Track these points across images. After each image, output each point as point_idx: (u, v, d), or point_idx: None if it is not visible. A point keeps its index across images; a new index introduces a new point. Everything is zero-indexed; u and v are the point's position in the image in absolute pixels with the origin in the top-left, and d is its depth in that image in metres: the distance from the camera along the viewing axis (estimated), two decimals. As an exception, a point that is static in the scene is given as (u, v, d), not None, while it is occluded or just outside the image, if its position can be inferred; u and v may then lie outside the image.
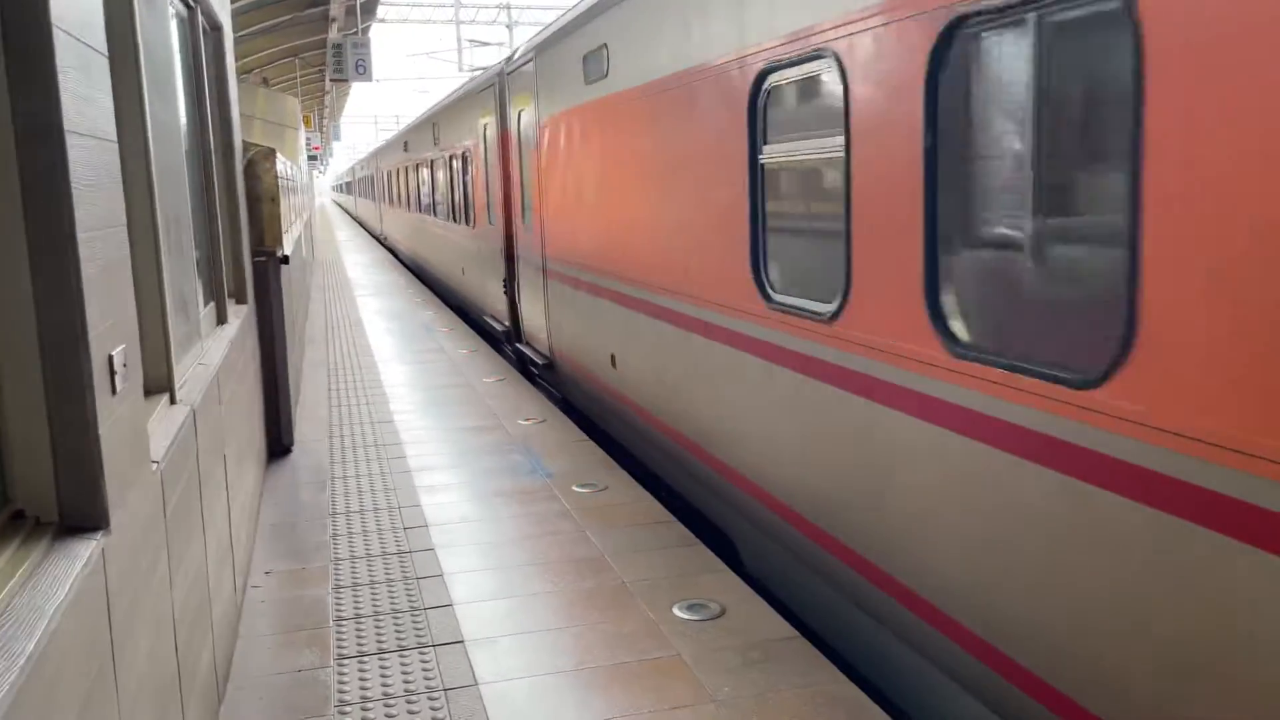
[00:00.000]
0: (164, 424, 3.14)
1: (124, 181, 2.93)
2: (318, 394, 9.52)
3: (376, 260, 26.86)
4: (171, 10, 4.45)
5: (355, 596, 4.79)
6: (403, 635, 4.35)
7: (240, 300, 6.06)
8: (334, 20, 20.56)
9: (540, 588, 4.84)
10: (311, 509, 6.15)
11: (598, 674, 3.99)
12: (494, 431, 7.90)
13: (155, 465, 2.80)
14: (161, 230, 3.45)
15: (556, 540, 5.48)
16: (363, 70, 17.36)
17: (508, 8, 36.20)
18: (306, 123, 29.17)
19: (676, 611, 4.51)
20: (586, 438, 7.66)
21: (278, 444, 7.35)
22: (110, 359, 2.33)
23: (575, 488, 6.39)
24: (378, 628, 4.44)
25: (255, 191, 7.07)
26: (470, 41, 35.33)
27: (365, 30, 20.90)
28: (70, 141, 2.13)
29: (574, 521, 5.77)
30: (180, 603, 3.07)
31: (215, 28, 5.80)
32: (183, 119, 4.61)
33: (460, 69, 34.17)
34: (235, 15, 17.21)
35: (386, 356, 11.57)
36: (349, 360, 11.37)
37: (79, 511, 2.19)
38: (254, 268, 6.80)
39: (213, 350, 4.52)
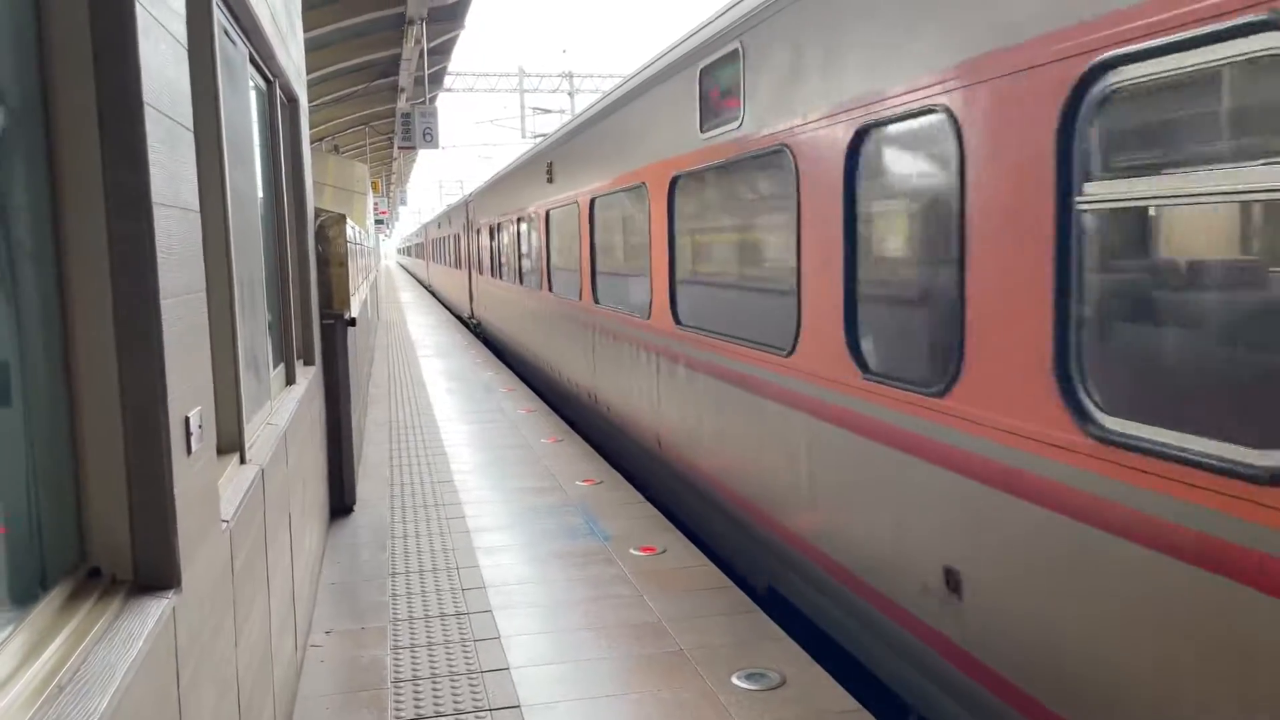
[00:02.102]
0: (234, 483, 3.21)
1: (204, 248, 3.05)
2: (379, 453, 9.65)
3: (439, 322, 27.34)
4: (251, 84, 4.66)
5: (414, 658, 4.80)
6: (459, 699, 4.34)
7: (308, 361, 6.21)
8: (403, 90, 21.29)
9: (597, 653, 4.80)
10: (371, 569, 6.20)
11: (655, 743, 3.92)
12: (552, 493, 7.92)
13: (225, 524, 2.86)
14: (237, 295, 3.57)
15: (614, 604, 5.44)
16: (430, 138, 17.89)
17: (569, 76, 37.17)
18: (375, 188, 30.07)
19: (736, 680, 4.43)
20: (644, 499, 7.64)
21: (340, 503, 7.45)
22: (187, 420, 2.40)
23: (632, 550, 6.35)
24: (435, 691, 4.43)
25: (325, 256, 7.29)
26: (533, 109, 36.27)
27: (433, 99, 21.58)
28: (157, 213, 2.23)
29: (631, 585, 5.73)
30: (244, 662, 3.10)
31: (292, 100, 6.04)
32: (259, 187, 4.79)
33: (524, 135, 35.04)
34: (309, 85, 17.97)
35: (448, 416, 11.71)
36: (411, 420, 11.53)
37: (153, 570, 2.24)
38: (321, 329, 6.98)
39: (281, 411, 4.62)
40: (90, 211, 2.15)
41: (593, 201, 9.37)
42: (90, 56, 2.14)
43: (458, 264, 26.80)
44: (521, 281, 14.32)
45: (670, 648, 4.83)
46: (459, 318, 27.84)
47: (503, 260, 16.58)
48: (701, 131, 6.26)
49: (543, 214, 12.13)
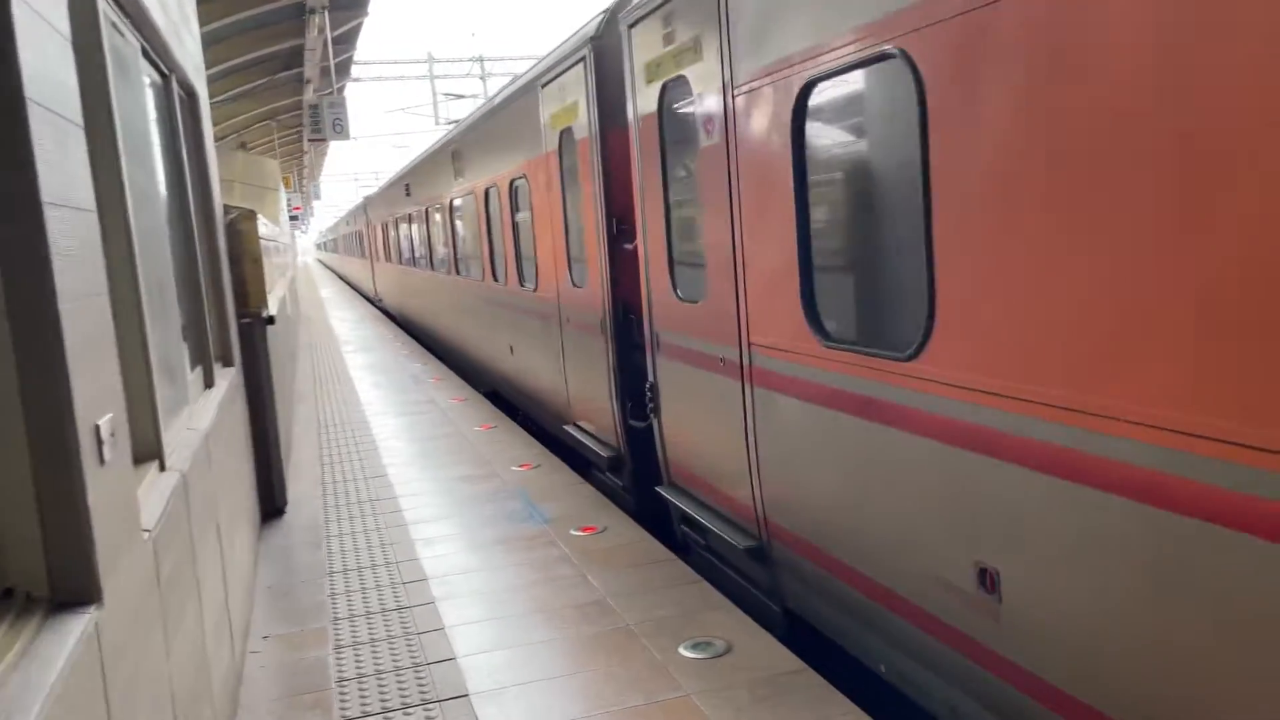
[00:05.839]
0: (154, 492, 3.11)
1: (105, 250, 2.93)
2: (309, 452, 9.46)
3: (361, 316, 26.87)
4: (146, 79, 4.48)
5: (357, 656, 4.72)
6: (406, 693, 4.28)
7: (227, 363, 6.03)
8: (309, 82, 20.75)
9: (544, 635, 4.78)
10: (308, 570, 6.08)
11: (607, 720, 3.93)
12: (488, 480, 7.85)
13: (147, 534, 2.76)
14: (144, 296, 3.44)
15: (557, 586, 5.42)
16: (340, 129, 17.49)
17: (480, 60, 36.66)
18: (286, 183, 29.30)
19: (683, 651, 4.46)
20: (582, 480, 7.62)
21: (271, 505, 7.28)
22: (97, 428, 2.30)
23: (573, 531, 6.34)
24: (381, 687, 4.36)
25: (237, 253, 7.08)
26: (445, 95, 35.71)
27: (340, 90, 21.10)
28: (48, 213, 2.13)
29: (574, 566, 5.72)
30: (178, 673, 3.01)
31: (190, 94, 5.83)
32: (162, 185, 4.62)
33: (437, 122, 34.49)
34: (210, 81, 17.37)
35: (377, 410, 11.52)
36: (339, 416, 11.32)
37: (70, 585, 2.15)
38: (240, 329, 6.79)
39: (201, 414, 4.49)
40: (-26, 215, 2.04)
41: None
42: (-37, 52, 2.02)
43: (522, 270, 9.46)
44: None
45: (617, 624, 4.84)
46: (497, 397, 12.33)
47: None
48: None
49: None
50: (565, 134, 7.50)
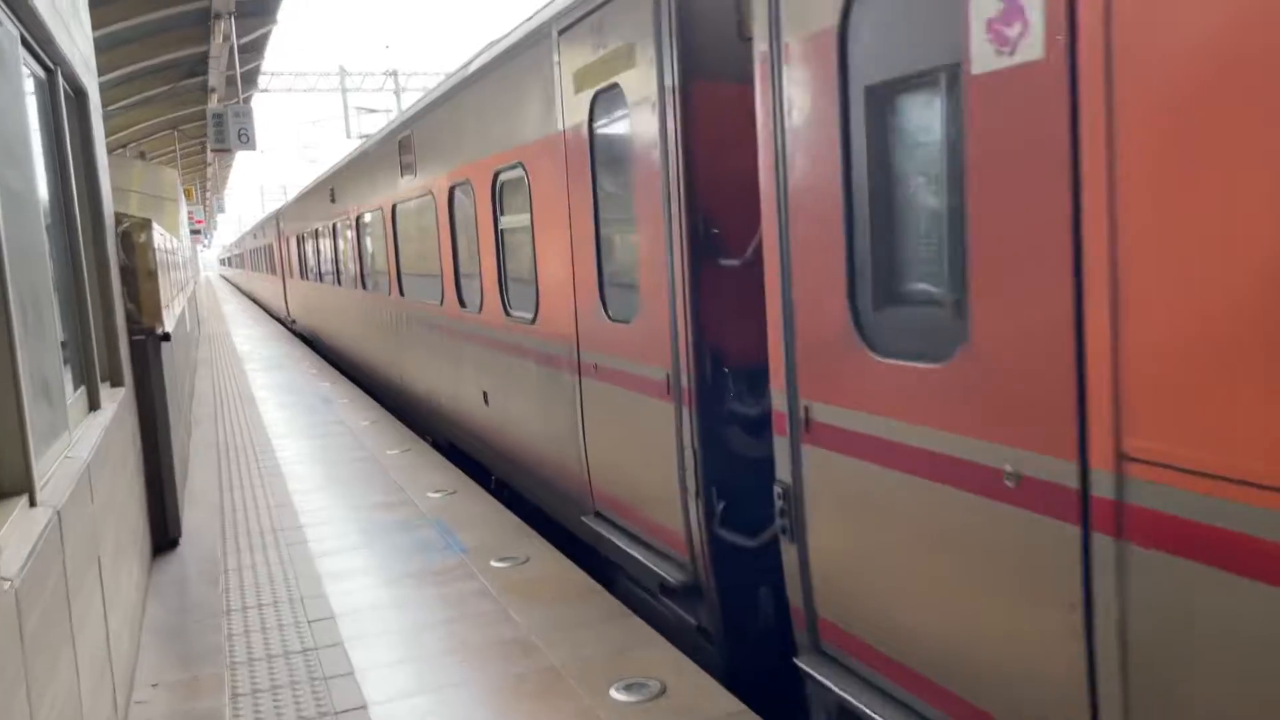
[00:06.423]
0: (19, 532, 2.72)
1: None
2: (207, 479, 8.90)
3: (267, 334, 25.90)
4: (27, 72, 4.07)
5: (256, 705, 4.32)
6: (312, 746, 3.91)
7: (116, 383, 5.56)
8: (213, 90, 20.00)
9: (463, 677, 4.45)
10: (203, 608, 5.62)
11: (534, 773, 3.63)
12: (402, 507, 7.46)
13: (7, 584, 2.39)
14: (14, 309, 3.04)
15: (478, 623, 5.10)
16: (245, 139, 16.82)
17: (394, 74, 36.03)
18: (188, 195, 28.13)
19: (614, 694, 4.19)
20: (503, 508, 7.29)
21: (163, 537, 6.77)
22: (-59, 463, 1.95)
23: (494, 562, 6.01)
24: (283, 740, 3.98)
25: (130, 266, 6.60)
26: (358, 109, 34.98)
27: (247, 100, 20.38)
28: None
29: (495, 600, 5.40)
30: (44, 741, 2.62)
31: (79, 92, 5.38)
32: (42, 189, 4.20)
33: (348, 136, 33.73)
34: (109, 87, 16.56)
35: (282, 433, 10.96)
36: (241, 439, 10.73)
37: (-99, 654, 1.79)
38: (132, 347, 6.30)
39: (83, 441, 4.06)
40: None
41: None
42: None
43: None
44: None
45: (542, 664, 4.54)
46: None
47: None
48: None
49: None
50: (605, 97, 5.21)
